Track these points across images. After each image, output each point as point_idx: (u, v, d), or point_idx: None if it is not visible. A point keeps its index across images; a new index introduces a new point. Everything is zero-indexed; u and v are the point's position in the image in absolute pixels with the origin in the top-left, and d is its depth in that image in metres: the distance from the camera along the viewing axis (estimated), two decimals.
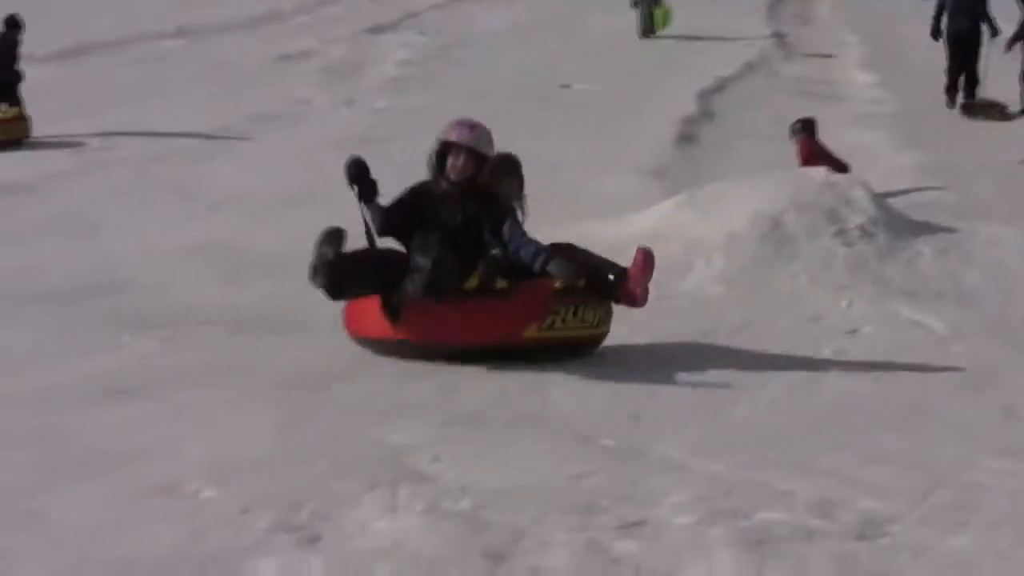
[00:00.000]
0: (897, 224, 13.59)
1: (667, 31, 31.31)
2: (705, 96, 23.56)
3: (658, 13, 31.71)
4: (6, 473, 6.71)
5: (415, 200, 9.07)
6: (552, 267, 8.67)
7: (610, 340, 9.99)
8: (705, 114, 22.43)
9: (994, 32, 23.45)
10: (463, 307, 8.53)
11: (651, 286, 9.13)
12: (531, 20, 32.59)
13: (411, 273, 8.41)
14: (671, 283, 11.89)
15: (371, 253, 8.89)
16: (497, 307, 8.71)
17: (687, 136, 20.78)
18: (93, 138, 19.01)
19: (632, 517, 5.78)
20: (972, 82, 23.51)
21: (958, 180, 17.56)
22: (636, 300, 9.08)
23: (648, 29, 31.58)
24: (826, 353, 10.06)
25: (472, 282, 8.73)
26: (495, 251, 8.88)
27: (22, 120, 19.83)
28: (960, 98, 23.43)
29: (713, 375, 9.37)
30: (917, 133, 21.09)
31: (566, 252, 9.02)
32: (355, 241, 8.86)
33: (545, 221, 14.02)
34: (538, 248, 8.84)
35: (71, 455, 6.97)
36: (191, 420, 7.74)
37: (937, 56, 23.86)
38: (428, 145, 17.76)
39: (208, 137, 19.46)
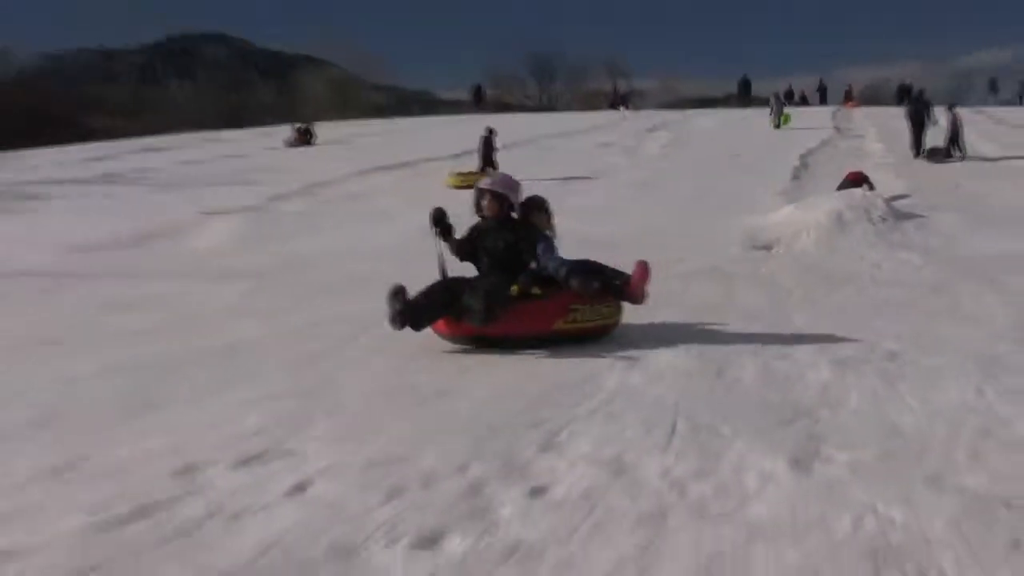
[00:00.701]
0: (897, 214, 13.15)
1: (788, 127, 30.42)
2: (803, 156, 22.82)
3: (783, 116, 31.18)
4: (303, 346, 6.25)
5: (472, 234, 6.52)
6: (572, 280, 6.21)
7: (765, 272, 9.84)
8: (803, 164, 21.71)
9: (934, 123, 22.69)
10: (509, 310, 6.11)
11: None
12: (723, 123, 32.08)
13: (471, 303, 6.00)
14: (792, 245, 11.69)
15: (431, 289, 6.18)
16: (533, 308, 6.21)
17: (795, 175, 20.11)
18: (527, 182, 19.20)
19: (781, 353, 5.73)
20: (920, 146, 22.50)
21: (925, 192, 16.71)
22: (635, 299, 6.46)
23: (777, 124, 30.79)
24: (866, 277, 9.78)
25: (514, 290, 6.27)
26: (532, 265, 6.42)
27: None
28: (922, 153, 22.37)
29: (812, 287, 9.22)
30: (904, 171, 20.12)
31: (585, 266, 6.45)
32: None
33: (732, 215, 13.94)
34: (562, 263, 6.31)
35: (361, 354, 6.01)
36: None
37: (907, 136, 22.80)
38: (673, 187, 17.45)
39: (568, 180, 19.58)
